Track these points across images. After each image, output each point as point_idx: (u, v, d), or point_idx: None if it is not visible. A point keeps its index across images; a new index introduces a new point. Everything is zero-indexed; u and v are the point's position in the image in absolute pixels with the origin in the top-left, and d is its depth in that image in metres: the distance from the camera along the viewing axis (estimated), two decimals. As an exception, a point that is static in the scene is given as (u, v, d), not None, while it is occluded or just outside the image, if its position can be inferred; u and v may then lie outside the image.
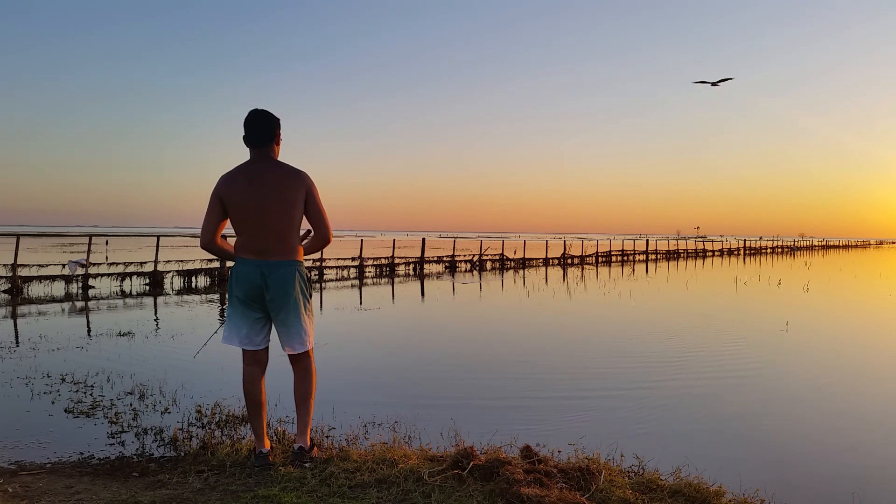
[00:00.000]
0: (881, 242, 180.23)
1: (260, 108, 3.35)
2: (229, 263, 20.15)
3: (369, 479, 3.13)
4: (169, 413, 4.91)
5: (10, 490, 3.16)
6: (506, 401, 5.62)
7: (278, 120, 3.37)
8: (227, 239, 3.55)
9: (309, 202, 3.31)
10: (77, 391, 5.55)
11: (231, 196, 3.25)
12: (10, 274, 15.52)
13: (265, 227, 3.25)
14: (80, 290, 16.25)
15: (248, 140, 3.34)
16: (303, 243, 3.44)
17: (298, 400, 3.46)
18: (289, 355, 3.45)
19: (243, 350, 3.40)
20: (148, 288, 17.28)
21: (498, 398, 5.71)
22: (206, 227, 3.31)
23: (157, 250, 19.00)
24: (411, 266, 27.31)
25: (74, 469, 3.61)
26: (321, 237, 3.42)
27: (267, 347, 3.44)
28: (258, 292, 3.27)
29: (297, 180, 3.28)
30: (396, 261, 26.39)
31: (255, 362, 3.41)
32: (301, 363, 3.45)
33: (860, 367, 7.35)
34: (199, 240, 3.39)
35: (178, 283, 18.87)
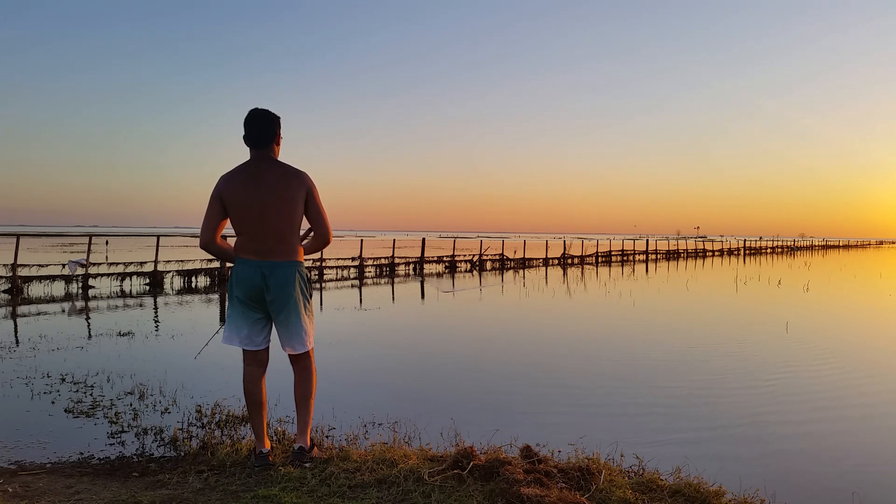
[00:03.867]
0: (881, 242, 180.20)
1: (261, 107, 3.35)
2: (229, 264, 20.20)
3: (369, 479, 3.13)
4: (169, 413, 4.91)
5: (10, 490, 3.16)
6: (506, 401, 5.61)
7: (279, 119, 3.36)
8: (227, 239, 3.55)
9: (309, 202, 3.31)
10: (77, 391, 5.55)
11: (231, 196, 3.24)
12: (10, 274, 15.52)
13: (265, 227, 3.24)
14: (80, 290, 16.25)
15: (248, 140, 3.33)
16: (303, 243, 3.44)
17: (298, 400, 3.46)
18: (289, 355, 3.45)
19: (244, 350, 3.40)
20: (148, 288, 17.28)
21: (498, 398, 5.71)
22: (206, 227, 3.30)
23: (157, 250, 19.00)
24: (411, 266, 27.31)
25: (74, 469, 3.61)
26: (321, 237, 3.42)
27: (267, 348, 3.43)
28: (258, 293, 3.27)
29: (298, 180, 3.28)
30: (396, 261, 26.39)
31: (256, 362, 3.41)
32: (301, 363, 3.45)
33: (860, 367, 7.35)
34: (199, 240, 3.39)
35: (178, 283, 18.87)
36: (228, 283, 3.37)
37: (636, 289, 18.18)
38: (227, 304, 3.42)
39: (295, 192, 3.26)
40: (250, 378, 3.41)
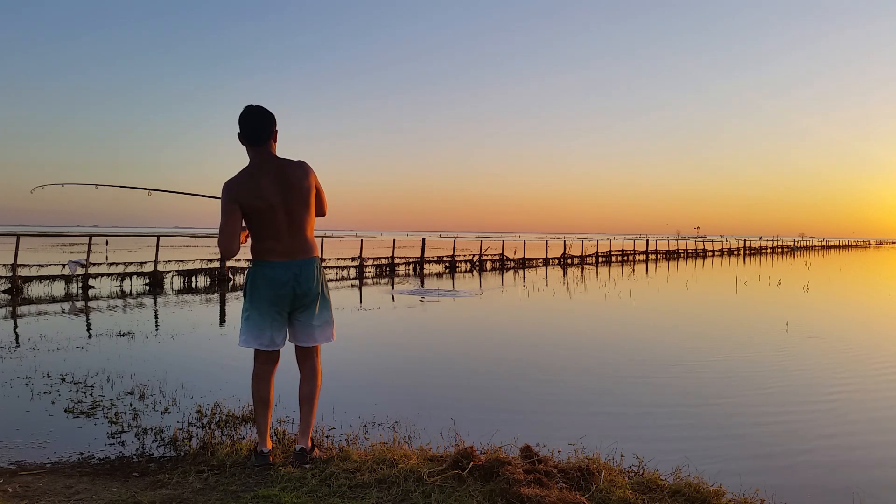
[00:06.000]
0: (881, 242, 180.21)
1: (254, 103, 3.34)
2: (229, 263, 19.80)
3: (369, 479, 3.13)
4: (169, 413, 4.91)
5: (10, 490, 3.16)
6: (506, 401, 5.61)
7: (274, 115, 3.36)
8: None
9: (316, 189, 3.38)
10: (77, 391, 5.55)
11: (254, 202, 3.21)
12: (10, 274, 15.52)
13: (293, 228, 3.27)
14: (80, 290, 16.25)
15: (246, 138, 3.30)
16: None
17: (303, 400, 3.45)
18: (297, 355, 3.46)
19: (257, 349, 3.39)
20: (148, 288, 17.28)
21: (498, 398, 5.71)
22: (231, 235, 3.24)
23: (157, 250, 19.00)
24: (411, 266, 27.31)
25: (74, 469, 3.61)
26: (320, 214, 3.53)
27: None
28: (289, 293, 3.27)
29: (306, 173, 3.31)
30: (396, 261, 26.39)
31: (270, 361, 3.42)
32: (309, 363, 3.46)
33: (860, 366, 7.34)
34: (222, 249, 3.26)
35: (178, 283, 18.86)
36: (249, 287, 3.32)
37: (636, 289, 18.18)
38: (247, 307, 3.34)
39: (309, 186, 3.31)
40: (261, 375, 3.40)
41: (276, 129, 3.36)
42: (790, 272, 27.52)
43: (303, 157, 3.36)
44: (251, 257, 3.36)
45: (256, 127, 3.28)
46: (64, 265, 17.04)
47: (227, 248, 3.26)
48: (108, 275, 17.88)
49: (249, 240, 3.38)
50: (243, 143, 3.32)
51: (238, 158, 3.42)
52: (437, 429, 4.53)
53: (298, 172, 3.28)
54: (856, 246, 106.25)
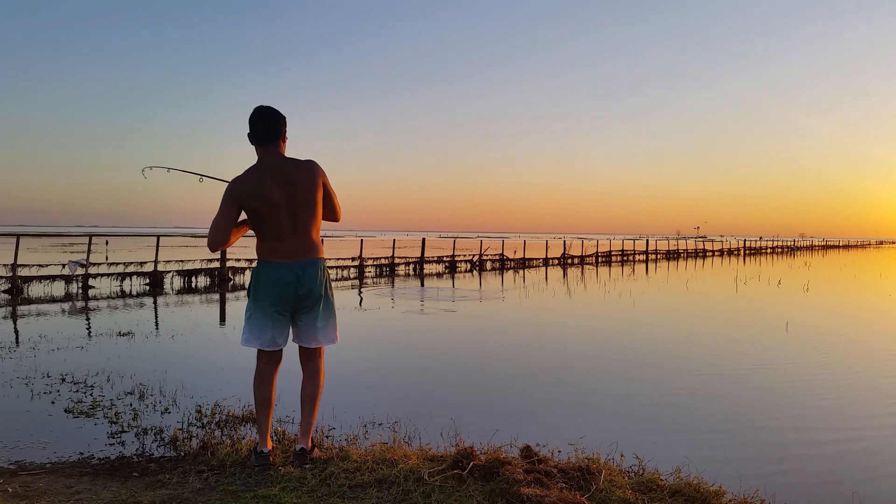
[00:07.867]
0: (881, 242, 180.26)
1: (265, 104, 3.34)
2: (229, 263, 19.71)
3: (369, 479, 3.13)
4: (169, 413, 4.91)
5: (10, 490, 3.16)
6: (506, 401, 5.61)
7: (284, 117, 3.37)
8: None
9: (325, 190, 3.37)
10: (77, 391, 5.55)
11: (256, 201, 3.21)
12: (10, 274, 15.51)
13: (297, 228, 3.26)
14: (80, 290, 16.25)
15: (255, 137, 3.30)
16: None
17: (305, 400, 3.45)
18: (301, 355, 3.46)
19: (259, 349, 3.39)
20: (148, 288, 17.27)
21: (498, 398, 5.70)
22: (223, 230, 3.25)
23: (157, 250, 18.99)
24: (411, 266, 27.31)
25: (74, 469, 3.61)
26: (332, 219, 3.53)
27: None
28: (291, 294, 3.28)
29: (314, 173, 3.30)
30: (396, 261, 26.39)
31: (272, 361, 3.42)
32: (313, 363, 3.46)
33: (860, 366, 7.35)
34: (209, 242, 3.28)
35: (178, 283, 18.86)
36: (253, 286, 3.33)
37: (636, 289, 18.18)
38: (250, 306, 3.35)
39: (317, 187, 3.30)
40: (263, 376, 3.41)
41: (286, 129, 3.36)
42: (790, 272, 27.52)
43: (302, 156, 3.35)
44: (256, 257, 3.37)
45: (265, 127, 3.29)
46: (64, 265, 17.04)
47: (212, 240, 3.29)
48: (108, 275, 17.88)
49: (255, 240, 3.39)
50: (252, 143, 3.33)
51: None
52: (437, 429, 4.53)
53: (303, 172, 3.26)
54: (856, 246, 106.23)
